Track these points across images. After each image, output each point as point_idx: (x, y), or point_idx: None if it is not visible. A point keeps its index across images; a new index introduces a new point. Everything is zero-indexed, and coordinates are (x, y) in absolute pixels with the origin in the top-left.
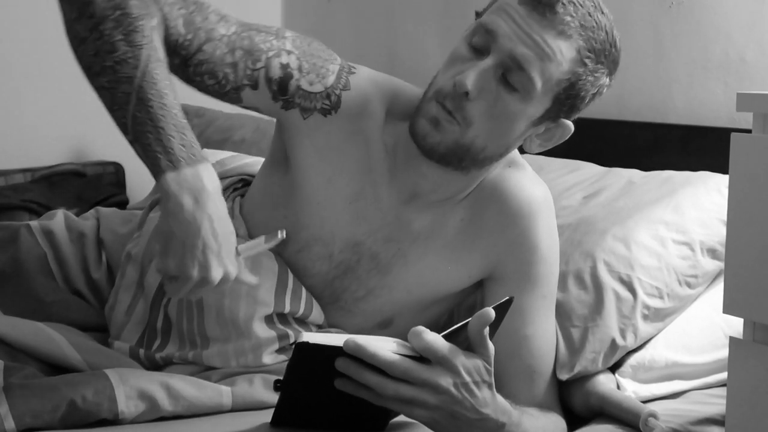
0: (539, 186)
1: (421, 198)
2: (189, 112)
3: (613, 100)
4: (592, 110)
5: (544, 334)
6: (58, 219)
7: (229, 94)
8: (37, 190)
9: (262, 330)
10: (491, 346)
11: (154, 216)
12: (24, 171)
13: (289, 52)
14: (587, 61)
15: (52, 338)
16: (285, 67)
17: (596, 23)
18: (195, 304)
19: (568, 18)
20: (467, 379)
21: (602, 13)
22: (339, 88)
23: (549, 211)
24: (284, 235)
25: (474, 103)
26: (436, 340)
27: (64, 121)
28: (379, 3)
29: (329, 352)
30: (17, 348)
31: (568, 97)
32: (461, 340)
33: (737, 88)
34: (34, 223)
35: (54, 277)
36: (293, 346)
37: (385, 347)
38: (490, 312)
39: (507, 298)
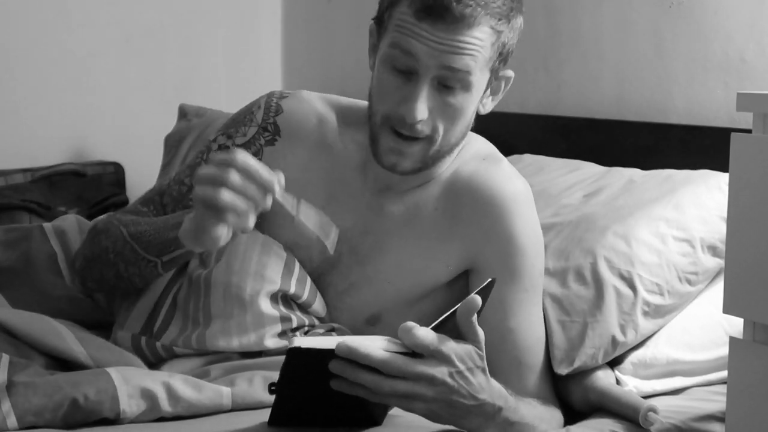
0: (515, 180)
1: (394, 189)
2: (189, 111)
3: (613, 100)
4: (592, 110)
5: (529, 327)
6: (71, 221)
7: None
8: (37, 190)
9: (266, 306)
10: (480, 331)
11: None
12: (24, 171)
13: (214, 139)
14: (502, 26)
15: (58, 331)
16: (221, 147)
17: None
18: (203, 284)
19: (468, 9)
20: (461, 366)
21: None
22: (271, 116)
23: (525, 204)
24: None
25: (428, 120)
26: (426, 334)
27: (64, 121)
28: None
29: (322, 355)
30: (23, 340)
31: (500, 60)
32: (450, 328)
33: (737, 88)
34: (47, 225)
35: (62, 275)
36: (286, 350)
37: (376, 346)
38: (477, 299)
39: (489, 280)
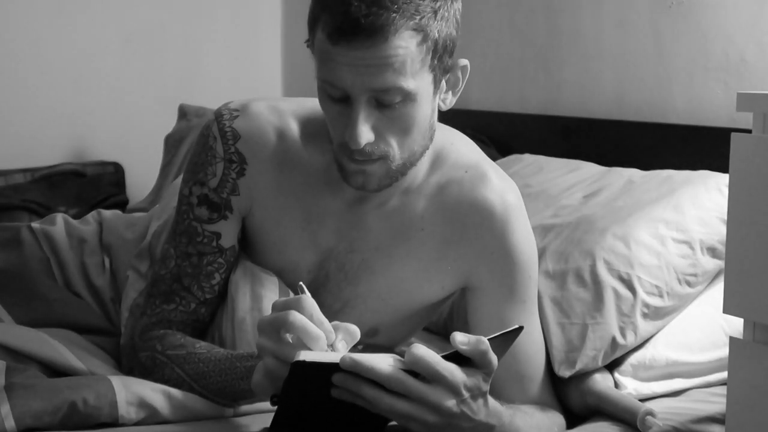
0: (504, 193)
1: (371, 199)
2: (189, 111)
3: (613, 100)
4: (592, 110)
5: (528, 339)
6: (59, 224)
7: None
8: (37, 190)
9: None
10: (494, 360)
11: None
12: (24, 171)
13: (190, 193)
14: (427, 22)
15: (56, 350)
16: (200, 198)
17: None
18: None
19: (381, 20)
20: (466, 395)
21: None
22: (230, 144)
23: (517, 216)
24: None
25: (378, 141)
26: (425, 354)
27: (64, 121)
28: None
29: (326, 368)
30: (20, 354)
31: (440, 55)
32: (462, 358)
33: (737, 88)
34: (36, 226)
35: (56, 280)
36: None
37: (382, 362)
38: (484, 342)
39: (516, 327)
